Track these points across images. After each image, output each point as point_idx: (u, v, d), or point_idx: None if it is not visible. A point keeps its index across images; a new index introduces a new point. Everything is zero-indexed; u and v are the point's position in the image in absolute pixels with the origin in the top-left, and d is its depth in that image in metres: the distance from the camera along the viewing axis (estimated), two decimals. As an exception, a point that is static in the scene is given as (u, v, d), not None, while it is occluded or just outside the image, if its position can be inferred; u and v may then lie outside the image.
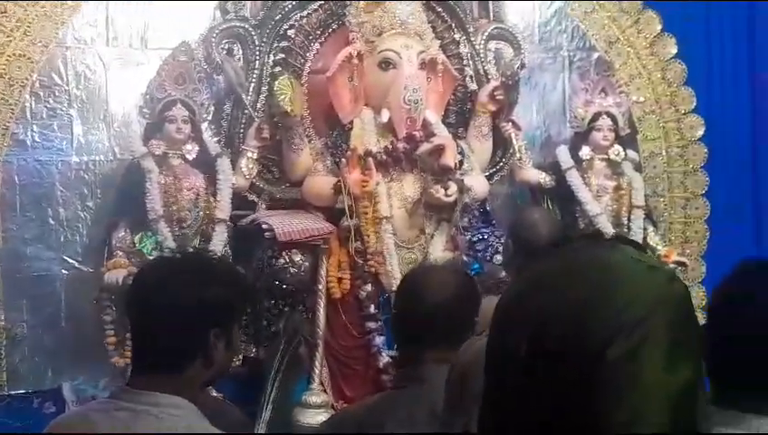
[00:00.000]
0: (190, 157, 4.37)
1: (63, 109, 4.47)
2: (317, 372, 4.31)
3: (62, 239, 4.46)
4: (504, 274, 4.27)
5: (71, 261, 4.46)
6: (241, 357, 4.39)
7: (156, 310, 1.80)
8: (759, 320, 1.51)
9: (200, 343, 1.78)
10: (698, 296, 5.08)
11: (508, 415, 0.88)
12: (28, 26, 4.36)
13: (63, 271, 4.45)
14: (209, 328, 1.78)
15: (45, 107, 4.43)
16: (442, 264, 3.73)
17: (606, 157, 4.96)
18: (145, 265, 2.34)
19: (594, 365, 0.82)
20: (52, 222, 4.44)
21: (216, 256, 3.11)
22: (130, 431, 1.71)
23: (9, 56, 4.32)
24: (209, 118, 4.52)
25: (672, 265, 4.77)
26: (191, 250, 3.68)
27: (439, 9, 4.86)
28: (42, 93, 4.43)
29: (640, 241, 4.85)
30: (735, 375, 1.51)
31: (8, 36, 4.32)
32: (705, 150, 5.33)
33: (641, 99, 5.33)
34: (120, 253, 4.21)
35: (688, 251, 5.26)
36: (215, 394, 4.10)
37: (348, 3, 4.62)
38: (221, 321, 1.80)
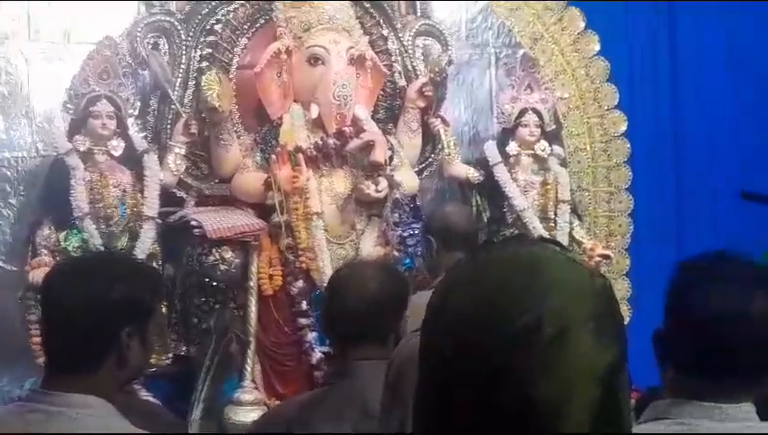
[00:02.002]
0: (116, 153, 4.30)
1: (-16, 104, 4.36)
2: (249, 369, 4.29)
3: (-16, 238, 4.35)
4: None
5: (-7, 260, 4.35)
6: (171, 355, 4.35)
7: (66, 311, 1.77)
8: (717, 309, 1.53)
9: (112, 343, 1.76)
10: (623, 289, 5.20)
11: (441, 412, 0.88)
12: (-55, 19, 4.24)
13: (-14, 270, 4.34)
14: (121, 328, 1.76)
15: (-35, 102, 4.32)
16: (371, 261, 3.75)
17: (532, 152, 5.03)
18: (54, 265, 2.29)
19: (519, 351, 0.83)
20: (-27, 220, 4.33)
21: (126, 254, 3.08)
22: (45, 433, 1.68)
23: (-74, 50, 4.20)
24: (135, 113, 4.46)
25: (597, 259, 4.87)
26: (101, 250, 3.64)
27: (367, 5, 4.87)
28: (-39, 88, 4.31)
29: (566, 235, 4.94)
30: (695, 364, 1.54)
31: (-75, 30, 4.19)
32: (628, 146, 5.43)
33: (566, 95, 5.41)
34: (45, 251, 4.14)
35: (612, 244, 5.36)
36: (145, 394, 4.06)
37: (275, -1, 4.60)
38: (133, 320, 1.78)
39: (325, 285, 4.12)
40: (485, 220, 5.00)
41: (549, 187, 5.02)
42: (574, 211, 5.14)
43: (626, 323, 0.90)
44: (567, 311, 0.84)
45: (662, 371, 1.59)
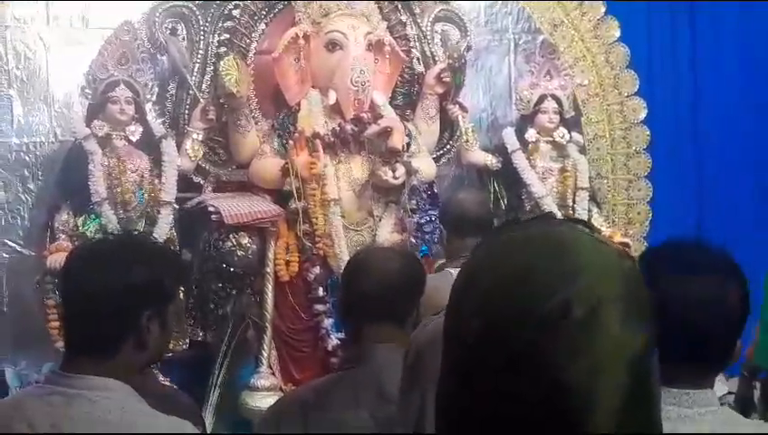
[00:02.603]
0: (134, 138, 4.30)
1: (3, 89, 4.39)
2: (265, 355, 4.30)
3: (2, 223, 4.38)
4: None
5: (12, 245, 4.39)
6: (188, 341, 4.36)
7: (87, 294, 1.78)
8: (679, 296, 1.54)
9: (132, 327, 1.77)
10: (641, 277, 5.16)
11: (465, 398, 0.87)
12: (-35, 5, 4.26)
13: (5, 255, 4.38)
14: (141, 311, 1.77)
15: (-17, 87, 4.34)
16: (386, 246, 3.75)
17: (551, 139, 5.00)
18: (75, 248, 2.30)
19: (547, 334, 0.81)
20: (-8, 205, 4.35)
21: (147, 238, 3.08)
22: (65, 415, 1.69)
23: (-55, 35, 4.22)
24: (153, 99, 4.45)
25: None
26: (122, 233, 3.65)
27: (386, -10, 4.85)
28: (-21, 74, 4.33)
29: (585, 222, 4.91)
30: (662, 351, 1.54)
31: (-56, 15, 4.21)
32: (648, 133, 5.39)
33: (585, 82, 5.38)
34: (63, 236, 4.15)
35: (631, 232, 5.33)
36: (162, 379, 4.08)
37: (293, -18, 4.58)
38: (153, 303, 1.79)
39: (342, 271, 4.19)
40: (503, 207, 4.99)
41: (568, 174, 5.00)
42: (593, 199, 5.12)
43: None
44: (596, 292, 0.83)
45: None
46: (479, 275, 0.89)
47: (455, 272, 2.91)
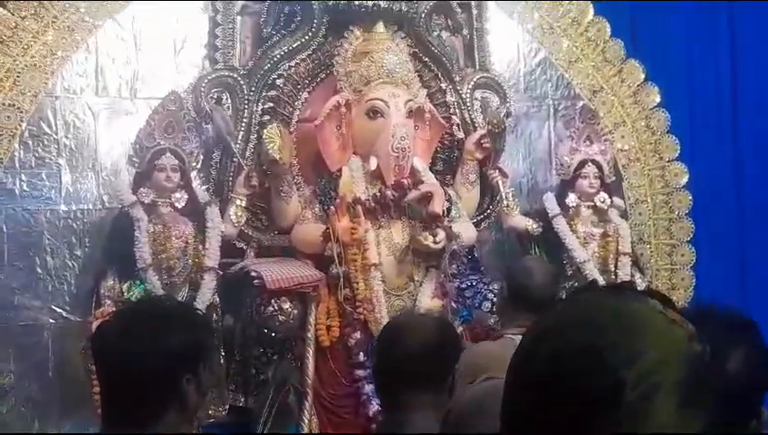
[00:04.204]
0: (179, 205, 4.38)
1: (52, 158, 4.48)
2: (306, 420, 4.28)
3: (49, 288, 4.44)
4: (492, 320, 4.29)
5: (58, 310, 4.43)
6: (228, 406, 4.37)
7: (126, 365, 1.79)
8: None
9: (174, 392, 1.77)
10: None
11: None
12: (18, 76, 4.38)
13: (51, 320, 4.42)
14: (182, 376, 1.77)
15: (34, 156, 4.44)
16: (421, 312, 3.73)
17: (592, 204, 5.00)
18: (105, 319, 2.30)
19: (598, 410, 0.81)
20: (39, 271, 4.42)
21: (174, 301, 3.10)
22: None
23: (-2, 106, 4.35)
24: (198, 166, 4.53)
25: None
26: (148, 298, 3.68)
27: (426, 59, 4.91)
28: (31, 143, 4.44)
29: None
30: None
31: (-2, 86, 4.35)
32: (690, 198, 5.38)
33: (626, 147, 5.39)
34: (109, 302, 4.20)
35: (675, 298, 5.27)
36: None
37: (336, 53, 4.67)
38: (191, 366, 1.80)
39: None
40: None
41: (609, 239, 4.98)
42: (635, 264, 5.09)
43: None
44: (653, 377, 0.81)
45: None
46: (541, 344, 0.89)
47: (516, 338, 2.90)
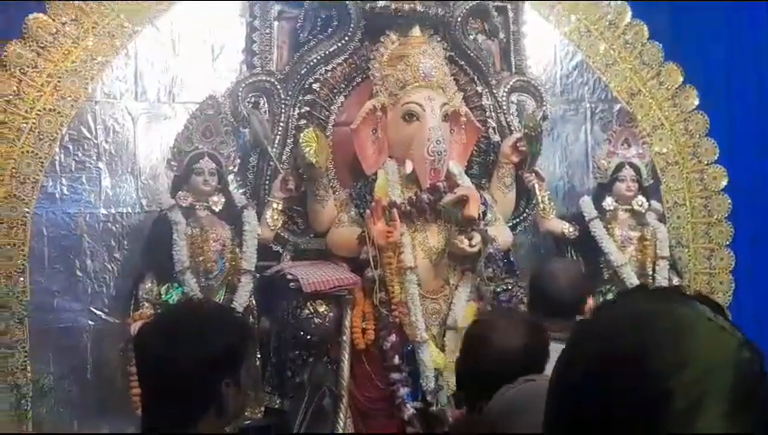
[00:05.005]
0: (217, 208, 4.41)
1: (92, 162, 4.54)
2: (341, 423, 4.29)
3: (89, 291, 4.49)
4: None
5: (98, 312, 4.49)
6: (264, 408, 4.39)
7: (165, 368, 1.80)
8: None
9: (213, 396, 1.78)
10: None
11: None
12: (58, 81, 4.45)
13: (90, 322, 4.48)
14: (221, 380, 1.78)
15: (74, 160, 4.50)
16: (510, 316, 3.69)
17: (630, 207, 4.97)
18: (146, 322, 2.31)
19: (644, 418, 0.80)
20: (79, 274, 4.48)
21: (214, 304, 3.11)
22: None
23: (39, 111, 4.41)
24: (235, 170, 4.56)
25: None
26: (188, 301, 3.70)
27: (462, 62, 4.91)
28: (71, 147, 4.50)
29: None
30: None
31: (39, 91, 4.41)
32: (729, 201, 5.32)
33: (664, 150, 5.35)
34: (147, 304, 4.25)
35: (714, 302, 5.21)
36: (239, 446, 4.10)
37: (372, 57, 4.68)
38: (230, 370, 1.81)
39: (418, 339, 4.19)
40: (581, 276, 4.94)
41: (647, 242, 4.95)
42: (673, 268, 5.05)
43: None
44: (701, 386, 0.80)
45: None
46: (589, 347, 0.88)
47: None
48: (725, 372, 0.82)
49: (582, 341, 0.90)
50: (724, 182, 5.34)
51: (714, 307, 0.89)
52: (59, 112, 4.45)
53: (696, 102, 5.37)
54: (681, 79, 5.37)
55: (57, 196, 4.47)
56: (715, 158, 5.36)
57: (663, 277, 4.90)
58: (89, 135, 4.54)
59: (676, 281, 4.98)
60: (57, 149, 4.46)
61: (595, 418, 0.82)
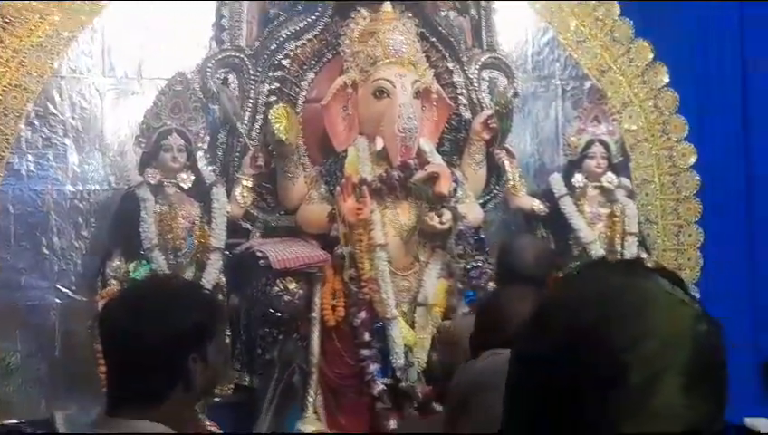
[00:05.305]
0: (185, 185, 4.39)
1: (59, 138, 4.49)
2: (311, 400, 4.31)
3: (56, 269, 4.46)
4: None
5: (65, 290, 4.46)
6: (233, 385, 4.39)
7: (131, 343, 1.78)
8: None
9: (179, 372, 1.78)
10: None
11: None
12: (24, 57, 4.39)
13: (57, 300, 4.44)
14: (187, 355, 1.78)
15: (41, 137, 4.45)
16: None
17: (599, 184, 4.99)
18: (112, 298, 2.30)
19: (603, 391, 0.81)
20: (46, 251, 4.44)
21: (181, 279, 3.11)
22: None
23: (5, 86, 4.35)
24: (204, 147, 4.53)
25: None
26: (155, 277, 3.68)
27: (433, 39, 4.90)
28: (37, 123, 4.45)
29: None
30: None
31: (4, 67, 4.35)
32: (698, 178, 5.36)
33: (633, 127, 5.37)
34: (115, 282, 4.22)
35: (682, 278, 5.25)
36: (208, 423, 4.11)
37: (342, 33, 4.65)
38: (196, 345, 1.80)
39: (388, 316, 4.20)
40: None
41: (616, 219, 4.98)
42: (642, 244, 5.08)
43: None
44: (659, 360, 0.81)
45: None
46: (548, 319, 0.89)
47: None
48: (683, 345, 0.82)
49: (543, 313, 0.90)
50: (693, 159, 5.36)
51: (673, 280, 0.89)
52: (25, 88, 4.39)
53: (666, 80, 5.38)
54: (651, 56, 5.38)
55: (23, 173, 4.42)
56: (684, 135, 5.38)
57: (631, 254, 4.93)
58: (55, 111, 4.48)
59: (644, 257, 5.01)
60: (23, 126, 4.40)
61: (563, 388, 0.83)
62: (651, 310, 0.84)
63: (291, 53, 4.69)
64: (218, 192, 4.46)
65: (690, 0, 5.57)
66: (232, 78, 4.65)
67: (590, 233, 4.89)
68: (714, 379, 0.84)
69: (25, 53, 4.39)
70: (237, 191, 4.50)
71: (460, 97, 4.93)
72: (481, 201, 4.89)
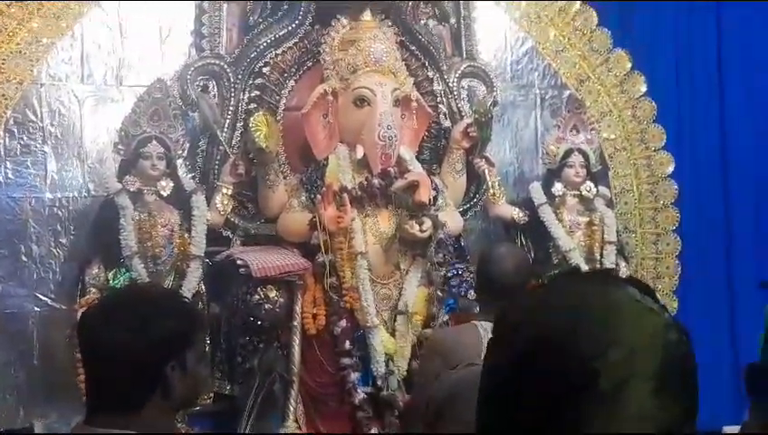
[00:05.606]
0: (165, 193, 4.37)
1: (38, 146, 4.45)
2: (292, 408, 4.30)
3: (34, 276, 4.41)
4: (478, 309, 4.30)
5: (43, 298, 4.41)
6: (213, 394, 4.37)
7: (109, 352, 1.78)
8: None
9: (157, 380, 1.77)
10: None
11: None
12: (2, 64, 4.36)
13: (36, 308, 4.40)
14: (165, 364, 1.77)
15: (19, 144, 4.42)
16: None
17: (578, 193, 5.01)
18: (90, 306, 2.29)
19: (572, 398, 0.82)
20: (24, 259, 4.40)
21: (159, 287, 3.10)
22: None
23: (-17, 93, 4.32)
24: (184, 154, 4.52)
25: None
26: (133, 285, 3.67)
27: (413, 47, 4.91)
28: (16, 130, 4.41)
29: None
30: None
31: (-18, 74, 4.32)
32: (676, 187, 5.39)
33: (612, 136, 5.40)
34: (94, 290, 4.19)
35: (660, 287, 5.29)
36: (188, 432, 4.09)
37: (323, 41, 4.66)
38: (175, 353, 1.80)
39: (369, 324, 4.20)
40: (530, 261, 4.97)
41: (595, 228, 5.00)
42: (620, 253, 5.11)
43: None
44: (627, 367, 0.82)
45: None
46: (518, 329, 0.89)
47: (485, 325, 2.91)
48: (653, 352, 0.84)
49: (513, 323, 0.91)
50: (671, 168, 5.40)
51: (643, 289, 0.90)
52: (3, 95, 4.36)
53: (644, 89, 5.42)
54: (629, 65, 5.41)
55: (1, 180, 4.38)
56: (662, 144, 5.42)
57: (610, 262, 4.96)
58: (34, 118, 4.45)
59: (623, 266, 5.05)
60: (1, 133, 4.37)
61: (534, 396, 0.84)
62: (619, 318, 0.85)
63: (271, 61, 4.68)
64: (198, 200, 4.44)
65: (667, 10, 5.64)
66: (212, 85, 4.64)
67: (570, 241, 4.91)
68: (683, 384, 0.85)
69: (4, 59, 4.36)
70: (217, 199, 4.49)
71: (440, 105, 4.94)
72: (461, 209, 4.91)
